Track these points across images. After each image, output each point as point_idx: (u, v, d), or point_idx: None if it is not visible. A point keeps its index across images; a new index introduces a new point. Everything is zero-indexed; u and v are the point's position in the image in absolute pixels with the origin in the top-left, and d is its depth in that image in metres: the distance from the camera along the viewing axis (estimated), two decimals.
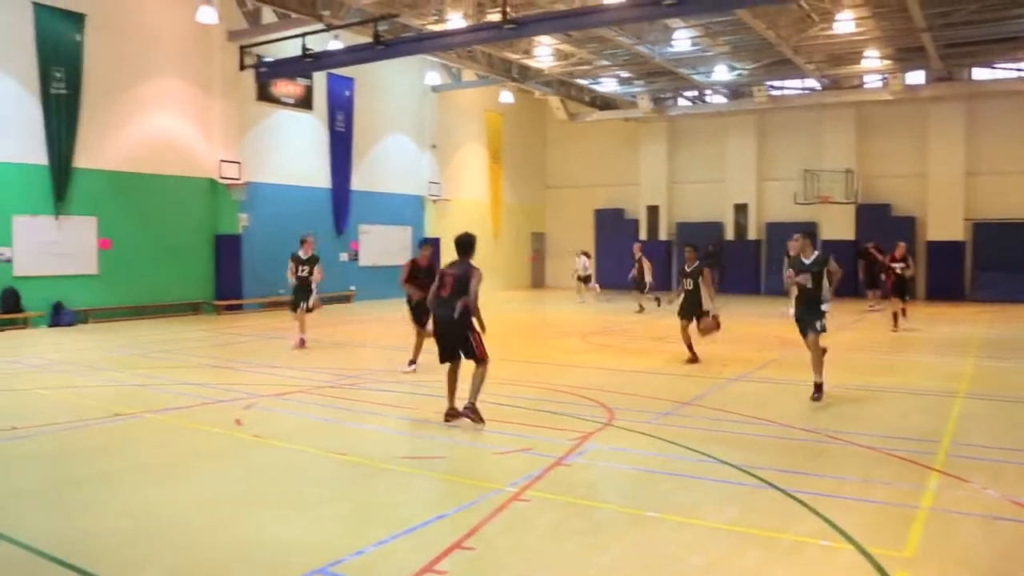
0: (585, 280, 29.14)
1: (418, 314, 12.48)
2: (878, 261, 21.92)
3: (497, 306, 27.41)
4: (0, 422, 9.00)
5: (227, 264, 23.85)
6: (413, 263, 12.86)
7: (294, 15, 21.82)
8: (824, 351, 10.60)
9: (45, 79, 19.66)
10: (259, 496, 6.55)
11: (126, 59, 21.45)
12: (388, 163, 30.05)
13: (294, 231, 26.09)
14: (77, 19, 20.21)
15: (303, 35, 21.89)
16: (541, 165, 39.26)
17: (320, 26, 21.70)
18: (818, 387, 10.30)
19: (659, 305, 23.37)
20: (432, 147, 31.64)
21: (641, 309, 23.91)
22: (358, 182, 28.50)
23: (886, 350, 15.99)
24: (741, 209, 34.05)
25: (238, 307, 23.79)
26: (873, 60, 26.53)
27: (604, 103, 34.61)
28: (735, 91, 32.38)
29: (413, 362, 12.58)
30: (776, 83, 31.63)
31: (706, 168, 35.05)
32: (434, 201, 31.74)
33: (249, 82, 24.51)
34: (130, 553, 5.33)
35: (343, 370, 12.34)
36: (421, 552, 5.23)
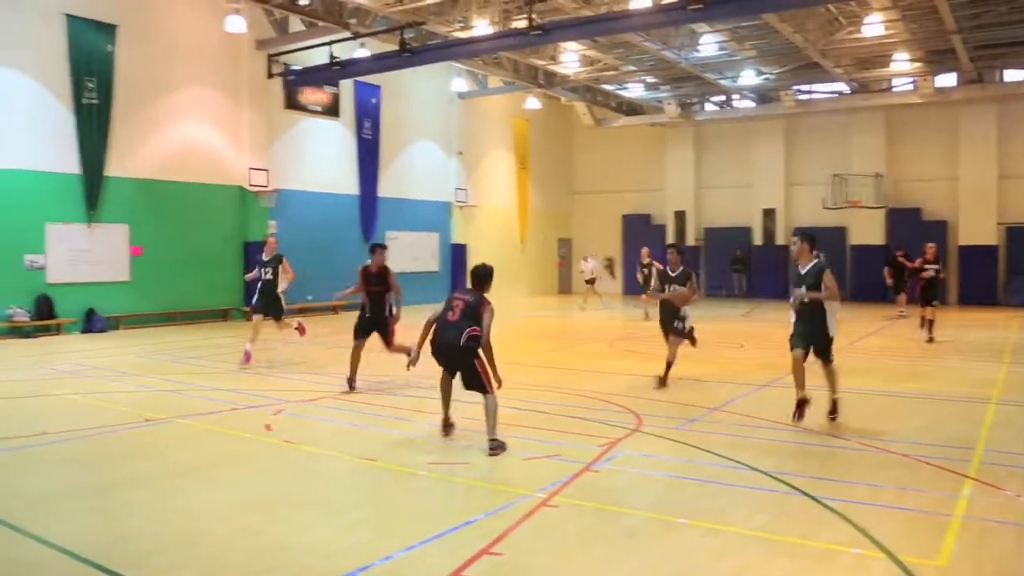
0: (591, 283, 28.56)
1: (372, 327, 11.56)
2: (906, 268, 21.68)
3: (524, 312, 27.42)
4: (33, 427, 9.11)
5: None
6: (364, 269, 11.71)
7: (321, 24, 22.02)
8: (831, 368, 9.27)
9: (77, 89, 19.93)
10: (288, 501, 6.59)
11: (156, 69, 21.70)
12: (415, 170, 30.17)
13: (323, 238, 26.58)
14: (109, 30, 20.48)
15: (330, 43, 22.12)
16: (568, 171, 39.26)
17: (347, 34, 21.90)
18: (834, 404, 9.23)
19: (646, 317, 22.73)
20: (459, 153, 31.72)
21: (647, 316, 23.10)
22: (385, 189, 28.63)
23: (917, 356, 15.82)
24: (769, 214, 33.85)
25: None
26: (902, 63, 26.32)
27: (631, 108, 34.57)
28: (762, 96, 32.22)
29: (352, 381, 11.44)
30: (804, 87, 31.43)
31: (733, 173, 34.89)
32: (461, 207, 31.81)
33: (277, 90, 24.73)
34: (161, 557, 5.37)
35: (371, 376, 12.38)
36: (449, 557, 5.24)
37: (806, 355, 9.01)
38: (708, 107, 34.55)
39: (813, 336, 8.94)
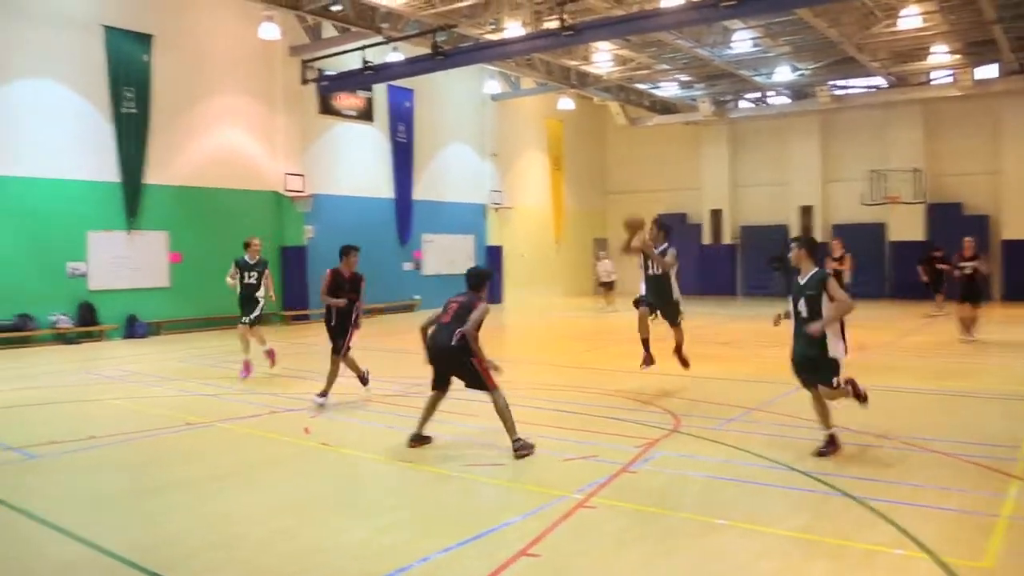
0: (608, 286, 27.74)
1: (337, 335, 10.96)
2: (941, 270, 21.20)
3: (559, 312, 27.39)
4: (79, 431, 9.26)
5: (294, 275, 24.20)
6: (335, 273, 10.92)
7: (354, 29, 22.16)
8: (860, 393, 7.99)
9: (116, 99, 20.25)
10: (325, 503, 6.63)
11: (192, 77, 21.97)
12: (449, 172, 30.26)
13: (359, 242, 26.32)
14: (145, 40, 20.77)
15: (363, 48, 22.23)
16: (602, 171, 39.17)
17: (379, 39, 21.99)
18: (831, 438, 7.74)
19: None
20: (493, 155, 31.77)
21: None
22: (420, 192, 28.75)
23: (959, 354, 15.55)
24: (807, 211, 33.50)
25: (305, 317, 24.11)
26: (941, 55, 25.95)
27: (664, 107, 34.42)
28: (797, 92, 31.91)
29: (324, 394, 10.73)
30: (840, 82, 31.07)
31: (769, 170, 34.59)
32: (496, 209, 31.85)
33: (311, 96, 24.93)
34: (200, 560, 5.43)
35: (409, 378, 12.42)
36: (487, 559, 5.24)
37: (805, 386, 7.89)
38: (742, 104, 34.30)
39: (818, 364, 7.63)
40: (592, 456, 7.78)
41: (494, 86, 30.52)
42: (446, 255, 29.44)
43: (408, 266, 28.22)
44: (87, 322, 19.61)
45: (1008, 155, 29.45)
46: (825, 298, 7.51)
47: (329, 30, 23.67)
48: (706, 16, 18.39)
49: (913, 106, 30.72)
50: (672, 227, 11.93)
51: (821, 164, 33.26)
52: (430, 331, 8.20)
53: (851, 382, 7.81)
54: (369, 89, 26.55)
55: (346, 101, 26.23)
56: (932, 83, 29.91)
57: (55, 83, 19.37)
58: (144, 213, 20.86)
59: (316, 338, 15.88)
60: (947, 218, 29.79)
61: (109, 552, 5.52)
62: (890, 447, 8.08)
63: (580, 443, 8.34)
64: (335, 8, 21.46)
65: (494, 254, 31.55)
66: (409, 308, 27.61)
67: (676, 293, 11.39)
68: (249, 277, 13.47)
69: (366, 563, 5.26)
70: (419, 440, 8.26)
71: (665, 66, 28.24)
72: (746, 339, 13.51)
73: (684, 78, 30.33)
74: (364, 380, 11.51)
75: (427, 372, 8.25)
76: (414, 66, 22.70)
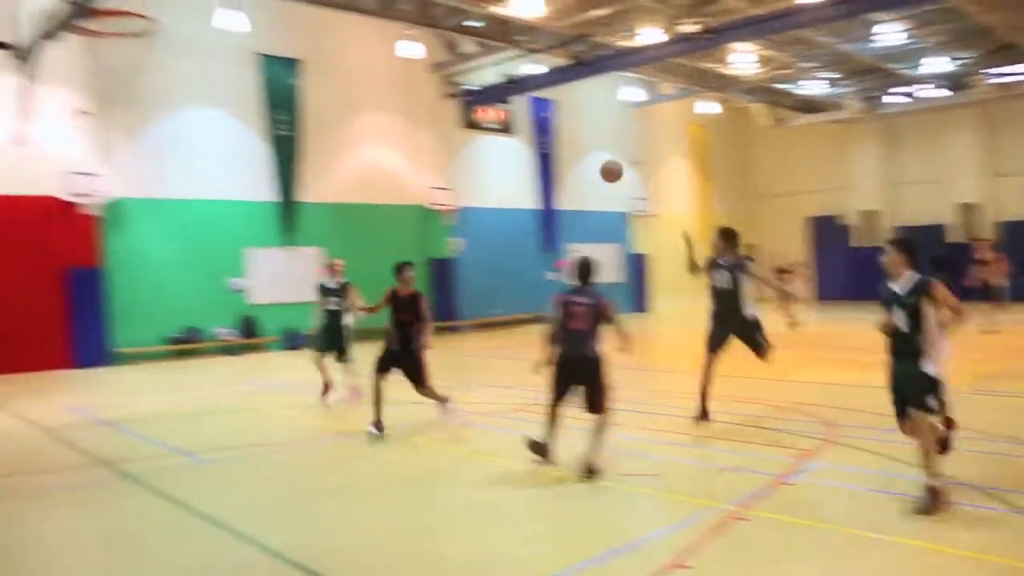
0: None
1: (389, 361, 9.76)
2: None
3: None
4: (242, 438, 9.75)
5: (442, 287, 24.72)
6: (393, 293, 9.91)
7: (491, 43, 22.47)
8: (945, 438, 6.73)
9: (270, 122, 21.33)
10: (475, 511, 6.70)
11: (339, 98, 22.83)
12: (592, 181, 30.08)
13: (504, 253, 27.05)
14: (295, 65, 21.77)
15: (502, 62, 22.52)
16: (747, 174, 38.25)
17: (517, 52, 22.22)
18: (932, 492, 6.12)
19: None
20: (635, 163, 31.53)
21: (794, 324, 19.93)
22: (564, 202, 28.85)
23: None
24: (968, 209, 31.71)
25: (454, 328, 24.56)
26: None
27: (809, 106, 33.29)
28: (954, 83, 30.25)
29: (379, 425, 9.55)
30: (1000, 70, 29.22)
31: (925, 167, 32.90)
32: (640, 217, 31.59)
33: (453, 111, 25.44)
34: (359, 564, 5.61)
35: None
36: (637, 570, 5.18)
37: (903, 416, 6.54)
38: (893, 99, 32.76)
39: (914, 383, 6.35)
40: (744, 467, 7.59)
41: (633, 93, 30.30)
42: None
43: (552, 276, 28.33)
44: (249, 334, 20.62)
45: None
46: (927, 308, 6.33)
47: (468, 45, 24.08)
48: (849, 10, 17.76)
49: None
50: (738, 233, 9.73)
51: (985, 158, 31.40)
52: (558, 337, 7.67)
53: (949, 421, 6.71)
54: (509, 102, 26.85)
55: (487, 114, 26.62)
56: None
57: (215, 110, 20.57)
58: (299, 230, 21.81)
59: (465, 348, 16.13)
60: None
61: (277, 553, 5.77)
62: None
63: (732, 453, 8.15)
64: (473, 24, 21.84)
65: (640, 263, 31.30)
66: None
67: (752, 308, 9.51)
68: (331, 303, 12.16)
69: (516, 571, 5.28)
70: (543, 451, 7.70)
71: (808, 64, 27.35)
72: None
73: (829, 75, 29.28)
74: (373, 427, 9.67)
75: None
76: (553, 77, 22.86)
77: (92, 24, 15.13)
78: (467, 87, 24.92)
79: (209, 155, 20.43)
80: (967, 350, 15.14)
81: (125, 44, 17.57)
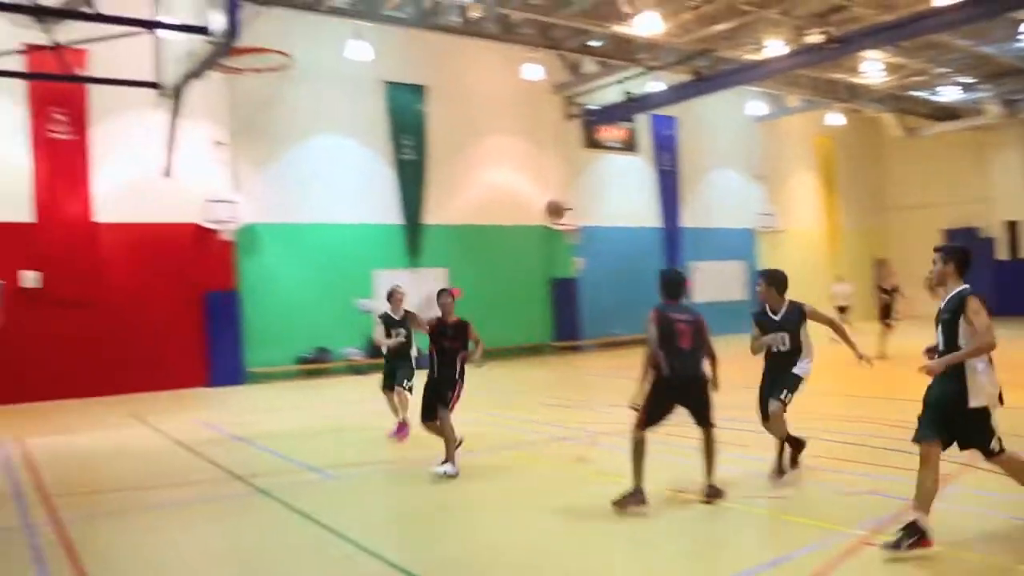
0: (842, 311, 23.25)
1: (444, 387, 9.05)
2: None
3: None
4: (368, 455, 9.95)
5: (564, 306, 24.74)
6: (439, 322, 9.22)
7: (613, 62, 22.46)
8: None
9: (396, 147, 21.91)
10: (597, 531, 6.62)
11: (462, 122, 23.23)
12: (716, 198, 29.77)
13: (627, 272, 26.86)
14: (420, 91, 22.29)
15: (623, 80, 22.47)
16: (878, 187, 36.88)
17: (639, 70, 22.13)
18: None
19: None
20: (761, 178, 30.91)
21: (880, 356, 18.30)
22: (687, 219, 28.49)
23: None
24: None
25: (576, 348, 24.51)
26: None
27: (945, 114, 31.87)
28: None
29: (450, 460, 8.67)
30: None
31: None
32: (766, 233, 30.90)
33: (575, 130, 25.49)
34: None
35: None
36: None
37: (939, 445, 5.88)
38: None
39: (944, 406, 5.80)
40: (875, 491, 7.26)
41: (758, 107, 29.71)
42: (715, 282, 28.86)
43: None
44: (375, 354, 21.05)
45: None
46: (963, 324, 5.77)
47: (589, 65, 24.13)
48: (989, 10, 16.90)
49: None
50: (786, 277, 8.32)
51: None
52: (667, 359, 7.17)
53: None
54: (632, 120, 26.75)
55: (609, 133, 26.58)
56: None
57: (343, 138, 21.26)
58: (424, 251, 22.23)
59: (588, 367, 16.06)
60: None
61: (402, 568, 5.83)
62: None
63: (863, 476, 7.82)
64: (594, 44, 21.87)
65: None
66: None
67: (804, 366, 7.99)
68: (398, 334, 11.29)
69: None
70: (639, 499, 6.99)
71: (944, 69, 26.22)
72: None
73: (966, 80, 28.00)
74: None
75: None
76: (675, 93, 22.64)
77: (233, 62, 15.85)
78: (589, 107, 24.95)
79: (337, 180, 21.09)
80: None
81: (259, 78, 18.35)
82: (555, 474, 8.78)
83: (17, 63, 16.01)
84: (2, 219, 17.30)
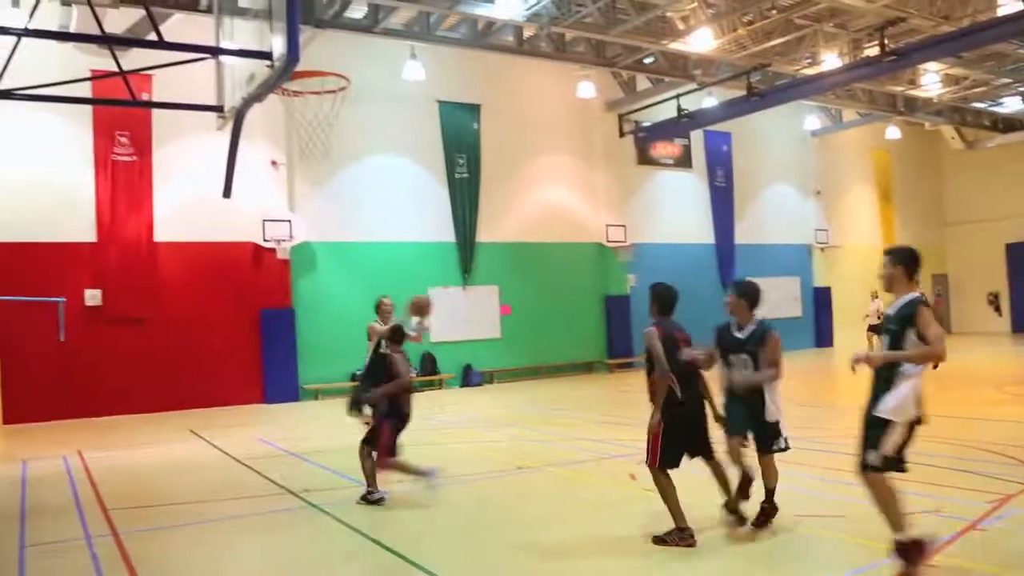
0: (876, 329, 21.49)
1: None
2: None
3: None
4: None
5: (617, 324, 24.71)
6: (394, 330, 9.46)
7: (667, 79, 22.47)
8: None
9: (450, 166, 22.13)
10: (645, 547, 6.63)
11: (516, 140, 23.41)
12: (770, 214, 29.52)
13: (681, 288, 26.47)
14: (474, 110, 22.52)
15: (677, 96, 22.44)
16: (937, 201, 36.23)
17: (693, 86, 22.09)
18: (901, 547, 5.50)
19: None
20: (816, 193, 30.57)
21: None
22: (741, 235, 28.28)
23: None
24: None
25: (629, 365, 24.46)
26: None
27: (1008, 125, 31.22)
28: None
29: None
30: None
31: None
32: (822, 249, 30.52)
33: (629, 148, 25.51)
34: None
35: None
36: None
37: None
38: None
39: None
40: (935, 511, 7.16)
41: (814, 121, 29.42)
42: (772, 297, 28.45)
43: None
44: (429, 371, 21.27)
45: None
46: (911, 335, 5.48)
47: (643, 82, 24.15)
48: None
49: None
50: (759, 290, 7.86)
51: None
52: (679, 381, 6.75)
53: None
54: (686, 136, 26.68)
55: (663, 150, 26.56)
56: None
57: (397, 157, 21.54)
58: (477, 269, 22.41)
59: (641, 386, 15.97)
60: None
61: None
62: None
63: (923, 496, 7.70)
64: (647, 61, 21.89)
65: (822, 296, 30.21)
66: None
67: (773, 408, 7.03)
68: (382, 347, 10.14)
69: None
70: (686, 541, 6.53)
71: (1006, 79, 25.74)
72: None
73: None
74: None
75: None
76: (729, 109, 22.55)
77: (293, 85, 16.19)
78: (642, 124, 24.96)
79: (391, 199, 21.37)
80: None
81: (315, 99, 18.71)
82: (604, 491, 8.82)
83: (84, 89, 16.56)
84: (66, 239, 17.84)
